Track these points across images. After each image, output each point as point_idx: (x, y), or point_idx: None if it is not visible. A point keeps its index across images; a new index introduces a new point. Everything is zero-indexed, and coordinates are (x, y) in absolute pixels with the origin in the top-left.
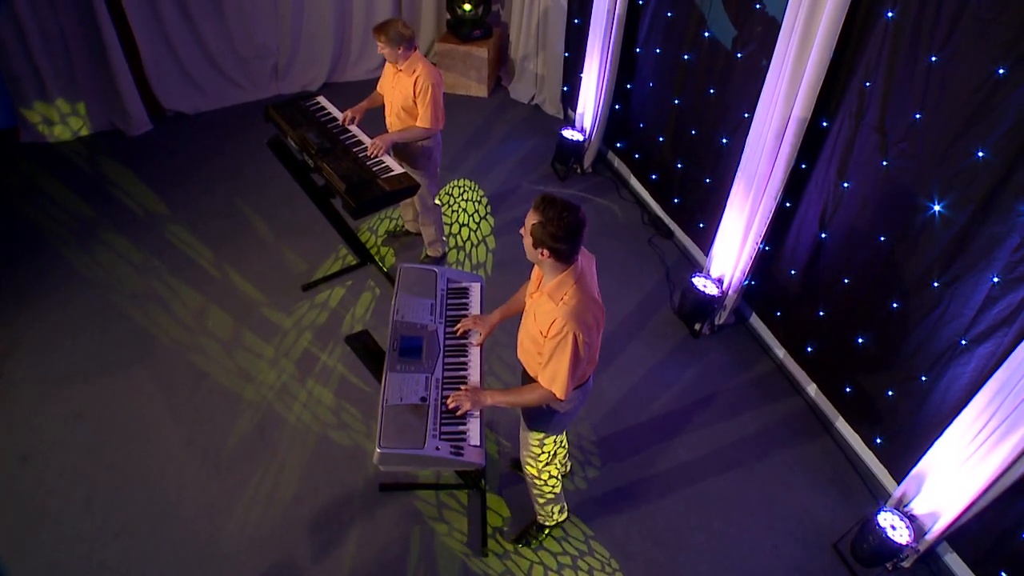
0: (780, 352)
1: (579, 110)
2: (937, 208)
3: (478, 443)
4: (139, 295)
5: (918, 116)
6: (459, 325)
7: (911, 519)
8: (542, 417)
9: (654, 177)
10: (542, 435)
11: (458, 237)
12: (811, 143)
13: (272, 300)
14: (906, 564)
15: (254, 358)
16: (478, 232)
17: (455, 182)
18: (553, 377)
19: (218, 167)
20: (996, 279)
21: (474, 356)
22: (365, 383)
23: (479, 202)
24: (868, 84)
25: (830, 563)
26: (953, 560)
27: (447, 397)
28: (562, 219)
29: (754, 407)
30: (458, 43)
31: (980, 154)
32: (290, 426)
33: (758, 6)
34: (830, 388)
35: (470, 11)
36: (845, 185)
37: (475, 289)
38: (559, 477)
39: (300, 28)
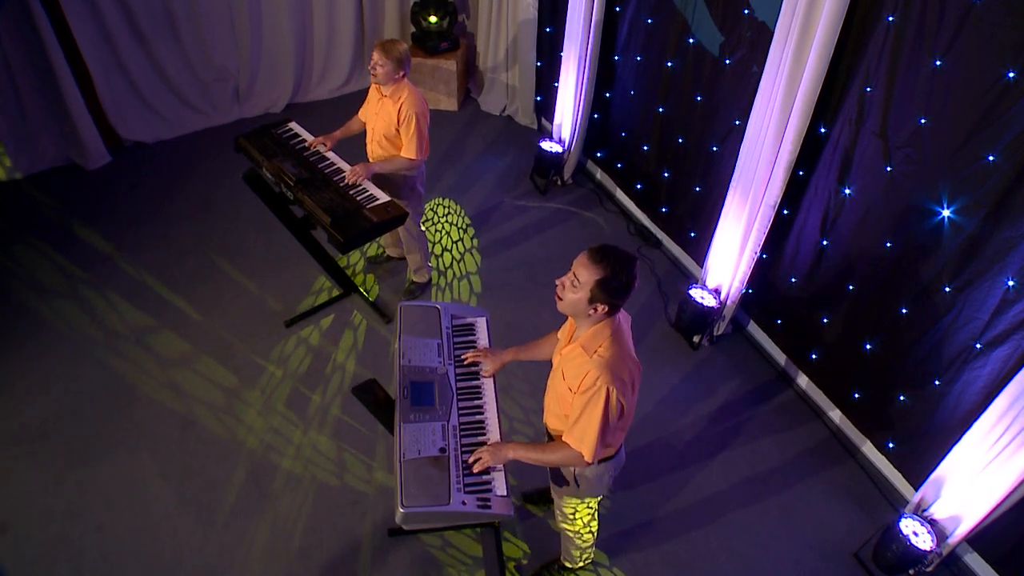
0: (783, 360)
1: (556, 120)
2: (946, 213)
3: (504, 493)
4: (111, 342)
5: (923, 121)
6: (468, 355)
7: (932, 524)
8: (568, 482)
9: (639, 187)
10: (574, 500)
11: (441, 261)
12: (809, 149)
13: (254, 339)
14: (930, 569)
15: (240, 403)
16: (462, 264)
17: (437, 201)
18: (582, 437)
19: (184, 199)
20: (1011, 283)
21: (489, 399)
22: (360, 423)
23: (464, 230)
24: (868, 89)
25: (852, 572)
26: (974, 560)
27: (466, 448)
28: (629, 273)
29: (762, 419)
30: (425, 57)
31: (990, 158)
32: (285, 474)
33: (747, 11)
34: (838, 395)
35: (436, 23)
36: (847, 191)
37: (481, 324)
38: (595, 530)
39: (260, 48)
